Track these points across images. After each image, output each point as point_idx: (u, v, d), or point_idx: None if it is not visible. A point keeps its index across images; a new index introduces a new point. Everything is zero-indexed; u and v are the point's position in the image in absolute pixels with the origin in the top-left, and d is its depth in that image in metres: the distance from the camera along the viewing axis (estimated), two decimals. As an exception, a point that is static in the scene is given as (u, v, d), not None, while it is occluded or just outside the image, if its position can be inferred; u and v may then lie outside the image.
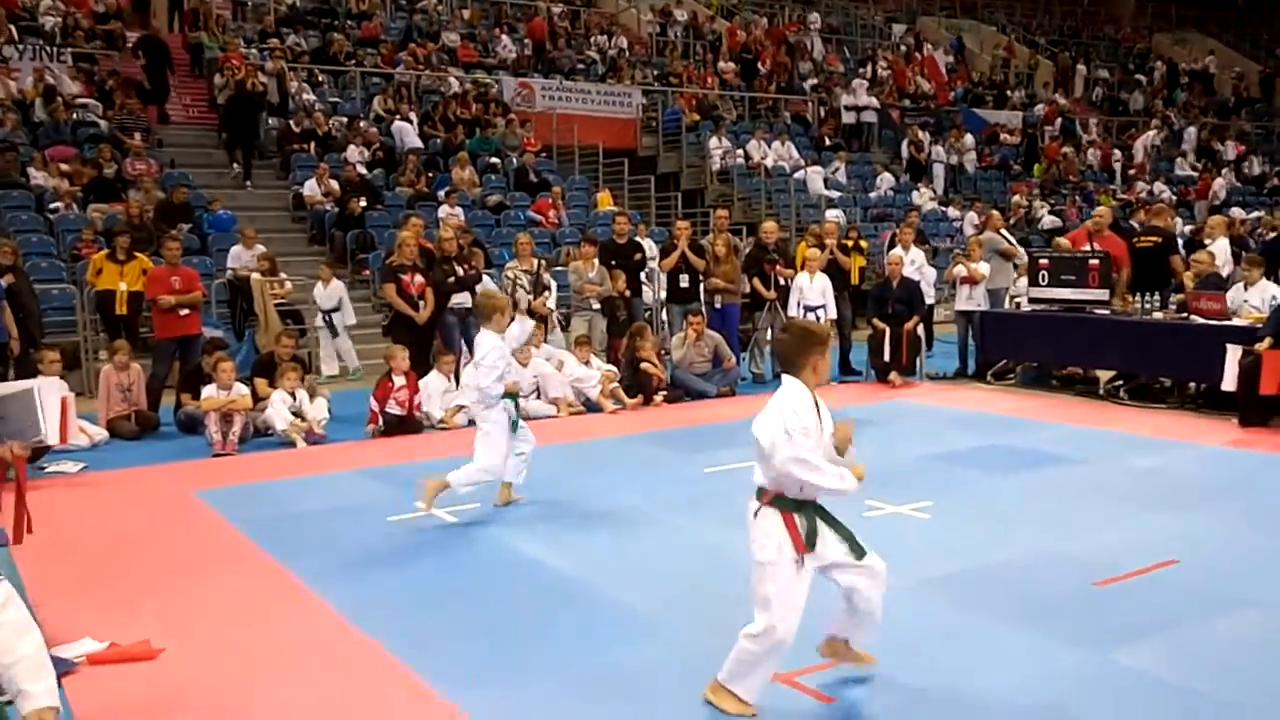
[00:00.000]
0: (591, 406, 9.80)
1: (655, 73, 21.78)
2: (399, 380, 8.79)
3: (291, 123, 15.98)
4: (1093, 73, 28.91)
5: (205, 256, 12.71)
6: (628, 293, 11.27)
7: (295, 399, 8.66)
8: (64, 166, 13.60)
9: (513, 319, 6.36)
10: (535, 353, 9.82)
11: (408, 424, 8.75)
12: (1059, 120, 24.91)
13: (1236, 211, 20.11)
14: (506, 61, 20.22)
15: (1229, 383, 8.47)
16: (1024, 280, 11.77)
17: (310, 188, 14.65)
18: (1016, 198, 20.60)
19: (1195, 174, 24.25)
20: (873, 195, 20.04)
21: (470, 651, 4.21)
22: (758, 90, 22.53)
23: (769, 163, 19.51)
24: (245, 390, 8.66)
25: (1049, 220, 19.67)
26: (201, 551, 5.66)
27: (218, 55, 16.50)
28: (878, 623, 3.74)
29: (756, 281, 11.47)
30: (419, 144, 16.49)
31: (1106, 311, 10.16)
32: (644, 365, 10.02)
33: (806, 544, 3.47)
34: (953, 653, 4.07)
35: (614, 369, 10.16)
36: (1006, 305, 11.68)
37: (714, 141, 19.39)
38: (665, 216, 17.50)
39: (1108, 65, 30.02)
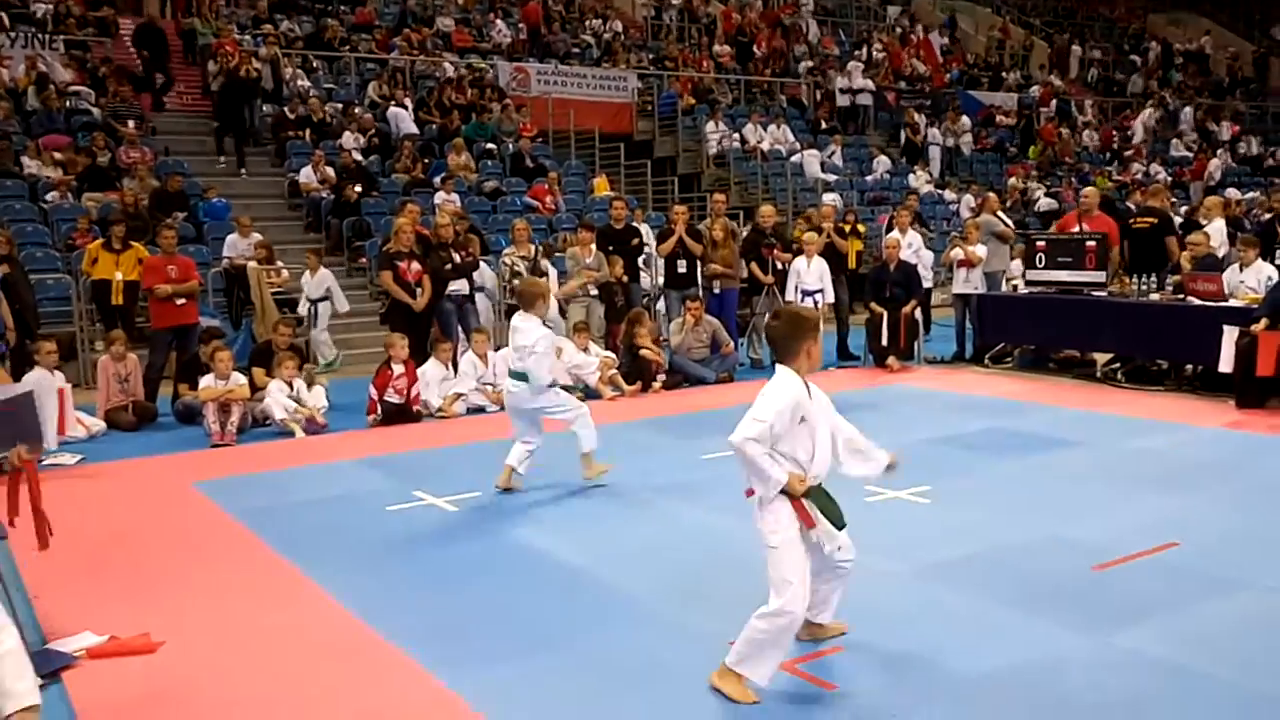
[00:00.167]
0: (590, 393, 9.78)
1: (650, 56, 21.69)
2: (398, 369, 8.78)
3: (286, 109, 15.90)
4: (1087, 54, 28.83)
5: (201, 245, 12.68)
6: (625, 278, 11.25)
7: (293, 388, 8.66)
8: (57, 155, 13.53)
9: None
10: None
11: (406, 413, 8.74)
12: (1054, 102, 24.87)
13: (1232, 192, 20.08)
14: (501, 46, 20.13)
15: (1225, 364, 8.48)
16: (1017, 263, 11.77)
17: (306, 175, 14.60)
18: (1013, 180, 20.57)
19: (1191, 155, 24.23)
20: (869, 178, 20.01)
21: (471, 639, 4.22)
22: (753, 74, 22.45)
23: (765, 146, 19.46)
24: (243, 380, 8.64)
25: (1045, 202, 19.64)
26: (201, 543, 5.66)
27: (211, 41, 16.40)
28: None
29: (754, 266, 11.46)
30: (414, 130, 16.43)
31: (1103, 294, 10.17)
32: (643, 351, 10.01)
33: (817, 521, 3.58)
34: (954, 637, 4.08)
35: (612, 355, 10.15)
36: (1004, 288, 11.68)
37: (710, 125, 19.33)
38: (662, 201, 17.46)
39: (1102, 46, 29.94)
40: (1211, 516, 5.61)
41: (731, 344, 10.72)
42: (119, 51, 16.63)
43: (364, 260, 13.46)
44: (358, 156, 14.99)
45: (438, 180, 14.65)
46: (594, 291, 10.83)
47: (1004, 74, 26.13)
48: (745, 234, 12.31)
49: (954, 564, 4.92)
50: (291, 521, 5.98)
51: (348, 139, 15.47)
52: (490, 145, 16.79)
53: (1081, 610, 4.31)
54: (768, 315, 11.08)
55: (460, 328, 10.30)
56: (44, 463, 7.57)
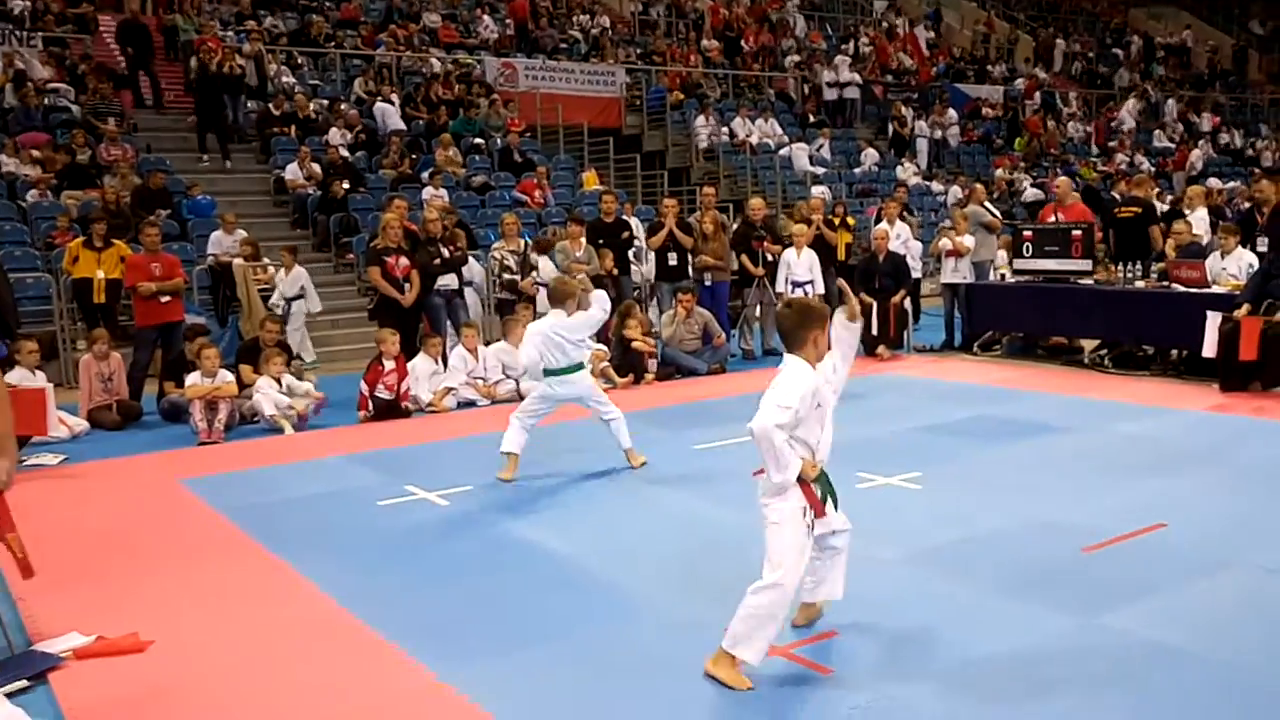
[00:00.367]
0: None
1: (638, 51, 21.66)
2: (389, 365, 8.73)
3: (271, 106, 15.82)
4: (1071, 47, 28.95)
5: (185, 242, 12.59)
6: (616, 271, 11.24)
7: (282, 384, 8.61)
8: (36, 153, 13.41)
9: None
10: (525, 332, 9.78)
11: (397, 409, 8.70)
12: (1039, 94, 24.97)
13: (1213, 182, 20.22)
14: (488, 42, 20.06)
15: (1209, 349, 8.56)
16: (1002, 253, 11.82)
17: (292, 171, 14.52)
18: (999, 171, 20.64)
19: (1173, 146, 24.37)
20: (857, 171, 20.04)
21: (464, 632, 4.20)
22: (741, 68, 22.44)
23: (754, 140, 19.46)
24: (230, 377, 8.59)
25: (1031, 193, 19.70)
26: (189, 541, 5.61)
27: (193, 38, 16.29)
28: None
29: (745, 258, 11.47)
30: (402, 126, 16.37)
31: (1090, 281, 10.22)
32: (634, 343, 10.00)
33: (825, 507, 3.67)
34: (946, 621, 4.09)
35: (604, 348, 10.13)
36: (992, 277, 11.72)
37: (700, 120, 19.32)
38: (651, 195, 17.45)
39: (1085, 40, 30.07)
40: (1198, 498, 5.64)
41: (723, 336, 10.72)
42: (99, 48, 16.50)
43: (351, 256, 13.41)
44: (344, 153, 14.92)
45: (425, 176, 14.59)
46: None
47: (989, 67, 26.20)
48: (735, 227, 12.31)
49: (945, 549, 4.93)
50: (281, 518, 5.95)
51: (334, 135, 15.39)
52: (478, 140, 16.74)
53: (1071, 592, 4.33)
54: (766, 305, 11.26)
55: (449, 322, 10.27)
56: (26, 463, 7.52)
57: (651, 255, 11.78)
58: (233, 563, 5.19)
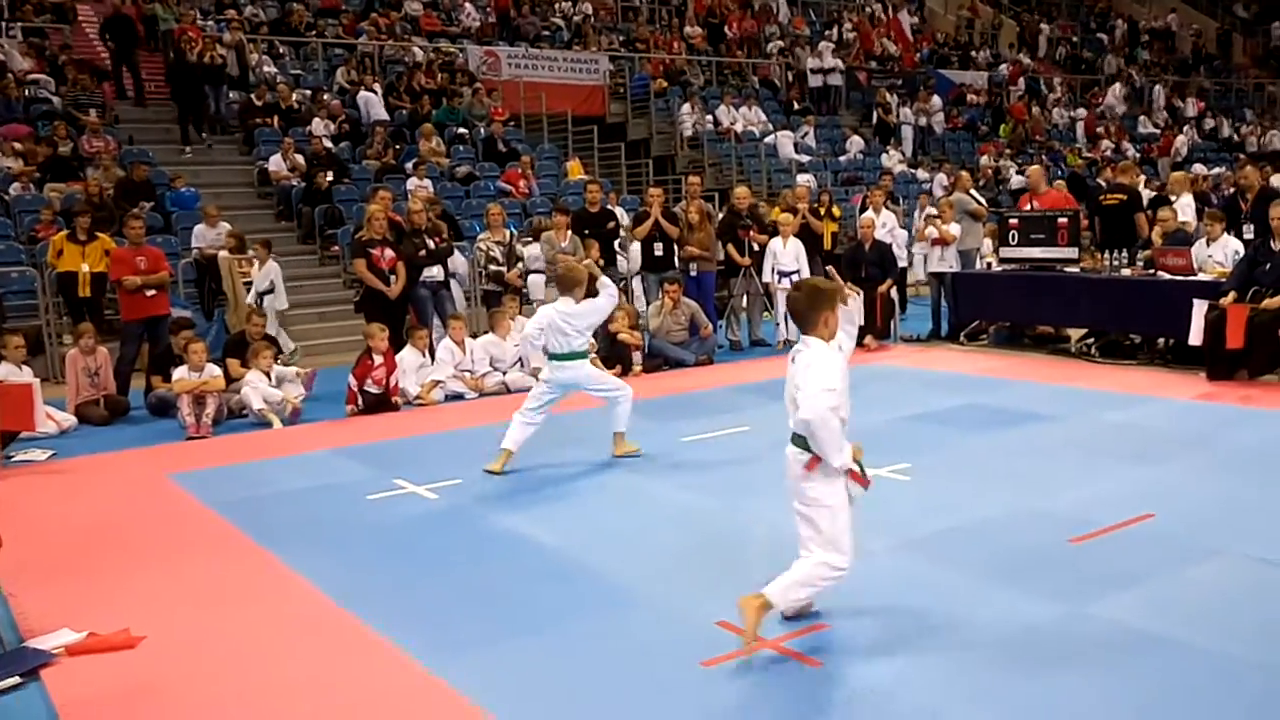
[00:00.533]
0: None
1: (621, 39, 21.58)
2: (377, 359, 8.69)
3: (253, 96, 15.70)
4: (1055, 32, 28.98)
5: (170, 235, 12.51)
6: (602, 262, 11.20)
7: (271, 378, 8.57)
8: (17, 145, 13.28)
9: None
10: (513, 324, 9.78)
11: (386, 402, 8.68)
12: (1023, 80, 25.00)
13: (1199, 168, 20.32)
14: (470, 30, 19.95)
15: (1196, 337, 8.58)
16: (988, 241, 11.86)
17: (275, 163, 14.43)
18: (984, 158, 20.67)
19: (1158, 131, 24.44)
20: (843, 159, 20.04)
21: (455, 625, 4.21)
22: (725, 55, 22.39)
23: (738, 128, 19.43)
24: (217, 371, 8.55)
25: (1017, 180, 19.74)
26: (178, 536, 5.60)
27: (173, 28, 16.14)
28: None
29: (731, 248, 11.46)
30: (385, 115, 16.28)
31: (1076, 270, 10.26)
32: (621, 335, 10.00)
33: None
34: (935, 611, 4.12)
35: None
36: (977, 265, 11.76)
37: (685, 108, 19.28)
38: (636, 184, 17.41)
39: (1069, 24, 30.10)
40: (1185, 487, 5.68)
41: (710, 326, 10.72)
42: (78, 39, 16.34)
43: (336, 249, 13.35)
44: (328, 143, 14.83)
45: (410, 166, 14.53)
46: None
47: (973, 53, 26.20)
48: (721, 216, 12.30)
49: (933, 539, 4.96)
50: (270, 512, 5.94)
51: (317, 125, 15.30)
52: (462, 130, 16.66)
53: (1060, 582, 4.36)
54: (753, 295, 11.26)
55: (436, 314, 10.24)
56: (13, 459, 7.49)
57: (637, 245, 11.76)
58: (222, 558, 5.19)
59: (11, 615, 4.47)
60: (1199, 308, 8.53)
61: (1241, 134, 25.82)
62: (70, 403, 8.76)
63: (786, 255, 11.23)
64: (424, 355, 9.35)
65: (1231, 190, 14.45)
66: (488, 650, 3.96)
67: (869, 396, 8.37)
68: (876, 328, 10.89)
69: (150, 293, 9.31)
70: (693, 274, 11.16)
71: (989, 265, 11.52)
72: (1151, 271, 9.71)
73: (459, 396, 9.22)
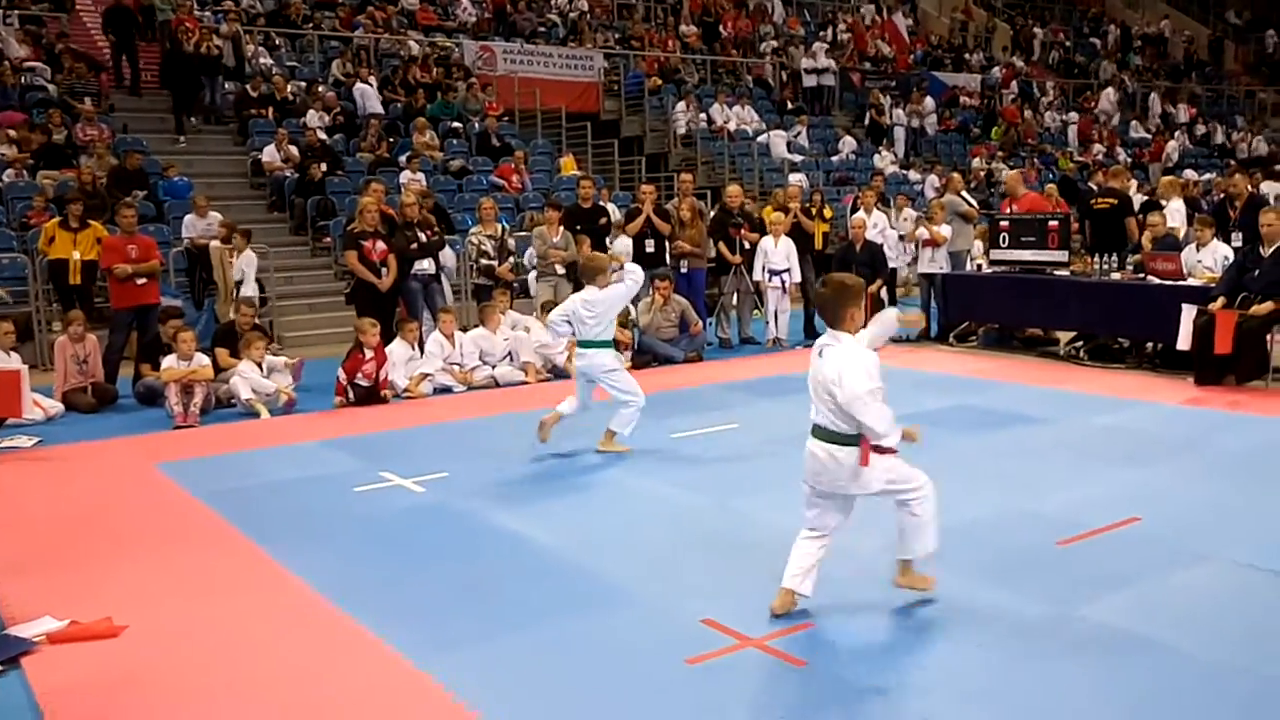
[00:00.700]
0: (559, 373, 9.78)
1: (616, 36, 21.57)
2: (368, 353, 8.66)
3: (249, 87, 15.66)
4: (1049, 36, 29.07)
5: (162, 224, 12.47)
6: (596, 258, 11.21)
7: (263, 368, 8.54)
8: (12, 132, 13.23)
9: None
10: (503, 319, 9.78)
11: (375, 395, 8.66)
12: (1016, 83, 25.07)
13: (1190, 173, 20.40)
14: (467, 25, 19.93)
15: (1184, 342, 8.61)
16: (978, 243, 11.89)
17: (269, 153, 14.38)
18: (976, 160, 20.71)
19: (1150, 136, 24.54)
20: (835, 159, 20.06)
21: (442, 620, 4.20)
22: (719, 54, 22.39)
23: (732, 127, 19.44)
24: (206, 360, 8.53)
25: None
26: (164, 525, 5.58)
27: (170, 18, 16.09)
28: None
29: (722, 246, 11.47)
30: (380, 109, 16.25)
31: (1066, 273, 10.30)
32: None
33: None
34: (921, 612, 4.13)
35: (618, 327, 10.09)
36: (968, 267, 11.79)
37: (680, 106, 19.29)
38: (629, 181, 17.40)
39: (1063, 29, 30.20)
40: (1172, 491, 5.71)
41: (700, 323, 10.73)
42: (76, 28, 16.27)
43: (328, 240, 13.32)
44: (322, 135, 14.80)
45: (403, 159, 14.50)
46: (561, 271, 10.78)
47: (967, 55, 26.26)
48: (713, 214, 12.30)
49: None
50: (257, 503, 5.92)
51: (312, 117, 15.27)
52: (456, 124, 16.64)
53: (1047, 584, 4.37)
54: (743, 292, 11.28)
55: (426, 307, 10.23)
56: None
57: (628, 242, 11.75)
58: (208, 548, 5.17)
59: (-6, 602, 4.45)
60: (1188, 313, 8.56)
61: (1232, 140, 25.94)
62: (58, 390, 8.72)
63: (777, 254, 11.25)
64: (413, 348, 9.34)
65: (1220, 197, 14.56)
66: (473, 646, 3.95)
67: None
68: (864, 325, 10.89)
69: (141, 281, 9.28)
70: (683, 271, 11.17)
71: (979, 267, 11.55)
72: (1141, 276, 9.74)
73: (447, 390, 9.21)
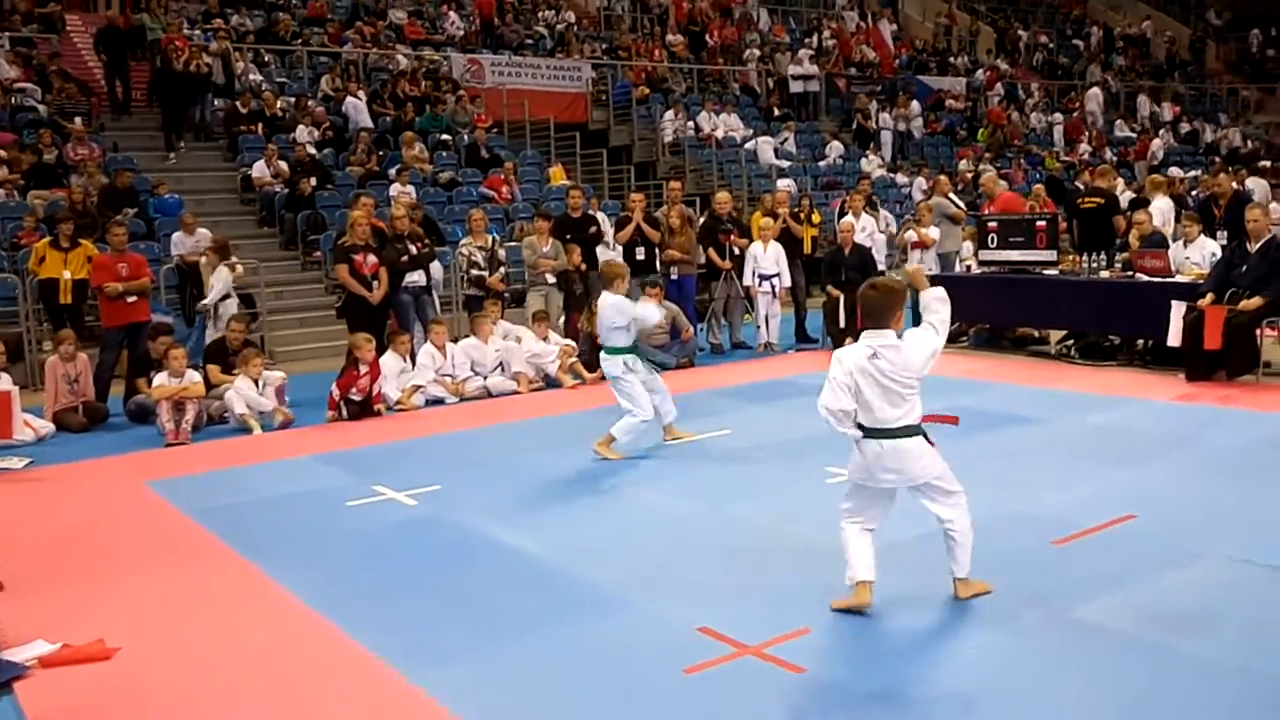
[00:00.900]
0: (551, 382, 9.78)
1: (604, 47, 21.62)
2: (363, 369, 8.63)
3: (238, 104, 15.66)
4: (1032, 38, 29.24)
5: (152, 242, 12.45)
6: (584, 267, 11.22)
7: (259, 386, 8.50)
8: (2, 153, 13.19)
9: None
10: (494, 329, 9.77)
11: (369, 409, 8.64)
12: (1000, 85, 25.18)
13: (1175, 171, 20.50)
14: (454, 38, 19.97)
15: (1174, 338, 8.64)
16: (968, 244, 11.93)
17: (259, 169, 14.38)
18: (963, 163, 20.78)
19: (1135, 135, 24.67)
20: (822, 164, 20.11)
21: (435, 633, 4.18)
22: (706, 63, 22.46)
23: (719, 134, 19.49)
24: (198, 377, 8.50)
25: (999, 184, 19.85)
26: (156, 544, 5.56)
27: (160, 37, 16.10)
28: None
29: (712, 252, 11.50)
30: (369, 122, 16.26)
31: (1055, 272, 10.33)
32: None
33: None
34: (918, 616, 4.12)
35: (572, 343, 10.13)
36: (957, 268, 11.82)
37: (668, 115, 19.34)
38: (618, 190, 17.43)
39: (1046, 31, 30.37)
40: (1166, 488, 5.72)
41: (691, 329, 10.73)
42: (66, 48, 16.27)
43: (318, 254, 13.30)
44: (312, 150, 14.80)
45: (393, 172, 14.51)
46: (552, 280, 10.79)
47: (951, 59, 26.38)
48: (702, 220, 12.33)
49: (915, 542, 4.93)
50: (249, 519, 5.90)
51: (301, 132, 15.26)
52: (445, 137, 16.65)
53: (1043, 585, 4.37)
54: (734, 298, 11.30)
55: (418, 320, 10.22)
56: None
57: (619, 249, 11.77)
58: (200, 566, 5.14)
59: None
60: (1177, 309, 8.60)
61: (1216, 137, 26.09)
62: (49, 409, 8.68)
63: (767, 259, 11.28)
64: (405, 360, 9.32)
65: (1205, 194, 14.66)
66: (467, 659, 3.93)
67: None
68: (857, 330, 10.90)
69: (132, 299, 9.26)
70: (674, 277, 11.19)
71: (968, 268, 11.58)
72: (1130, 274, 9.77)
73: (440, 401, 9.20)
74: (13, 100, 14.39)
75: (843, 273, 11.06)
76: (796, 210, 12.41)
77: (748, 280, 11.36)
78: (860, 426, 4.11)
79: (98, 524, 5.99)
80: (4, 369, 8.39)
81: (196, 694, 3.74)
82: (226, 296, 10.74)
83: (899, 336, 4.12)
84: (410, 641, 4.08)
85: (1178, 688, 3.50)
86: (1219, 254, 9.22)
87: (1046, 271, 10.35)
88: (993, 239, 10.81)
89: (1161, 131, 24.89)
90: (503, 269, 10.83)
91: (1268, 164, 22.30)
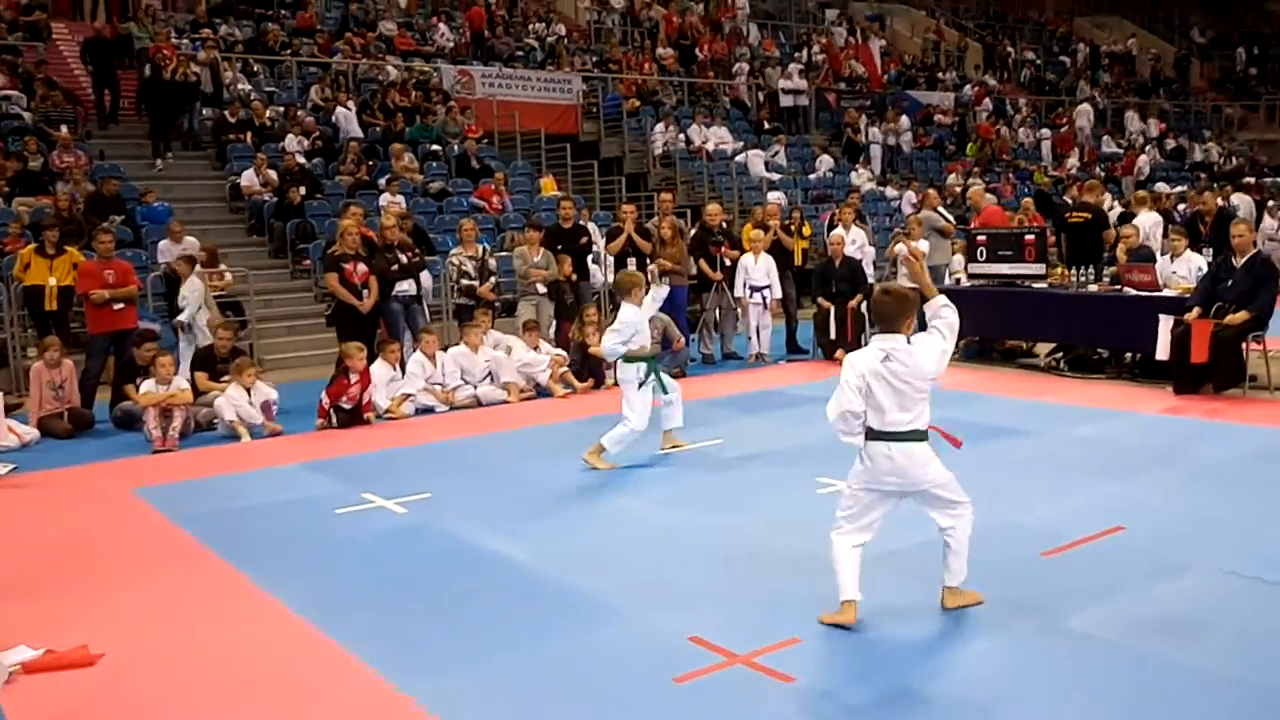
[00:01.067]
0: (542, 391, 9.76)
1: (594, 59, 21.69)
2: (354, 378, 8.59)
3: (227, 113, 15.62)
4: (1020, 54, 29.49)
5: (139, 249, 12.39)
6: (575, 277, 11.24)
7: (250, 394, 8.45)
8: (-14, 160, 13.16)
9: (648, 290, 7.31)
10: (485, 339, 9.75)
11: (358, 417, 8.60)
12: (989, 100, 25.37)
13: (1161, 186, 20.68)
14: (445, 50, 19.99)
15: (1162, 352, 8.68)
16: (958, 257, 11.97)
17: (248, 178, 14.35)
18: (952, 177, 20.90)
19: (1121, 151, 24.87)
20: (812, 177, 20.19)
21: (424, 642, 4.16)
22: (696, 76, 22.55)
23: (710, 147, 19.55)
24: (185, 384, 8.45)
25: (986, 198, 19.95)
26: (142, 551, 5.52)
27: (148, 46, 16.06)
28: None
29: (703, 263, 11.52)
30: (359, 132, 16.25)
31: (1044, 285, 10.38)
32: (593, 348, 9.98)
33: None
34: (908, 626, 4.12)
35: (563, 353, 10.12)
36: (946, 281, 11.86)
37: (659, 127, 19.39)
38: (609, 201, 17.46)
39: (1033, 47, 30.65)
40: (1154, 500, 5.73)
41: (683, 340, 10.73)
42: (53, 57, 16.22)
43: (308, 263, 13.27)
44: (301, 159, 14.77)
45: (383, 182, 14.49)
46: (543, 290, 10.78)
47: (940, 74, 26.56)
48: (693, 232, 12.35)
49: (906, 553, 4.94)
50: (238, 527, 5.86)
51: (290, 142, 15.23)
52: (435, 147, 16.64)
53: (1033, 596, 4.37)
54: (724, 309, 11.33)
55: (408, 328, 10.20)
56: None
57: (610, 260, 11.78)
58: (187, 573, 5.10)
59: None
60: (1165, 323, 8.64)
61: (1205, 157, 26.34)
62: (33, 416, 8.62)
63: (758, 271, 11.30)
64: (395, 369, 9.29)
65: (1191, 212, 14.77)
66: (456, 667, 3.91)
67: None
68: (848, 342, 10.93)
69: (118, 306, 9.21)
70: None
71: (957, 281, 11.63)
72: (1118, 287, 9.83)
73: (429, 410, 9.16)
74: (-2, 107, 14.34)
75: (833, 285, 11.10)
76: (787, 223, 12.46)
77: (739, 291, 11.38)
78: (868, 430, 4.09)
79: (84, 531, 5.94)
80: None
81: (183, 702, 3.71)
82: (199, 307, 10.61)
83: (908, 341, 4.16)
84: (399, 650, 4.06)
85: (1172, 696, 3.50)
86: (1205, 268, 9.28)
87: (1035, 285, 10.40)
88: (982, 252, 10.86)
89: (1148, 148, 25.12)
90: (493, 279, 10.82)
91: (1251, 180, 22.50)
